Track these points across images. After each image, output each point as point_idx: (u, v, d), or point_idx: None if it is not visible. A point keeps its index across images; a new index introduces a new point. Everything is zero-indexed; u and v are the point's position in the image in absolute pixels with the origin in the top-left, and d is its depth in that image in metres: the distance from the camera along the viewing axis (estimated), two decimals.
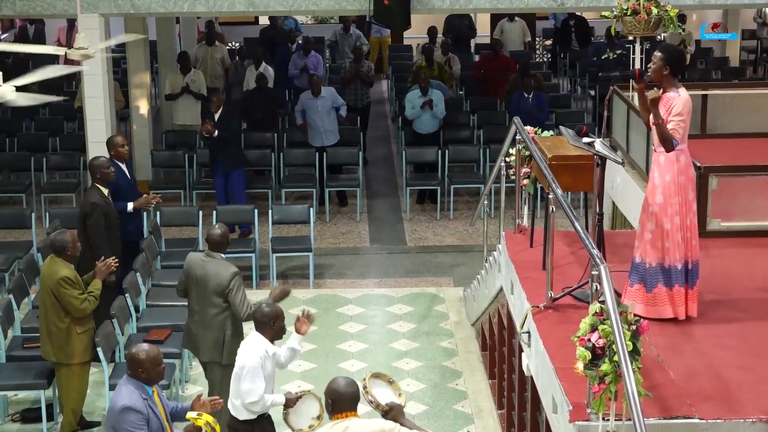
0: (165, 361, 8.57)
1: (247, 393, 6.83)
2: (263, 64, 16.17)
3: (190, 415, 6.43)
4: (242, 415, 6.94)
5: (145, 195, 10.67)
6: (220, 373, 7.94)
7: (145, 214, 11.19)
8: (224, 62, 17.41)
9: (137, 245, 10.46)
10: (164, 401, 6.59)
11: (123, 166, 10.40)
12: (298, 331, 7.30)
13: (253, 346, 6.91)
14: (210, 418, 6.39)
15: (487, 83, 16.92)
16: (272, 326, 6.95)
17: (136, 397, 6.28)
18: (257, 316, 7.01)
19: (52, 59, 11.40)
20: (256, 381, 6.80)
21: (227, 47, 19.34)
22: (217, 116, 12.94)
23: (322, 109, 14.25)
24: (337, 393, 5.61)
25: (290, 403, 6.95)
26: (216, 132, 12.74)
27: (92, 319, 8.46)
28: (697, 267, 7.04)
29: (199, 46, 17.60)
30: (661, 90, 6.92)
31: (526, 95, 14.79)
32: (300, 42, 18.42)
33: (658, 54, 6.88)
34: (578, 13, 20.51)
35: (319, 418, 6.89)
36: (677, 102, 6.82)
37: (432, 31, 18.52)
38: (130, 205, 10.35)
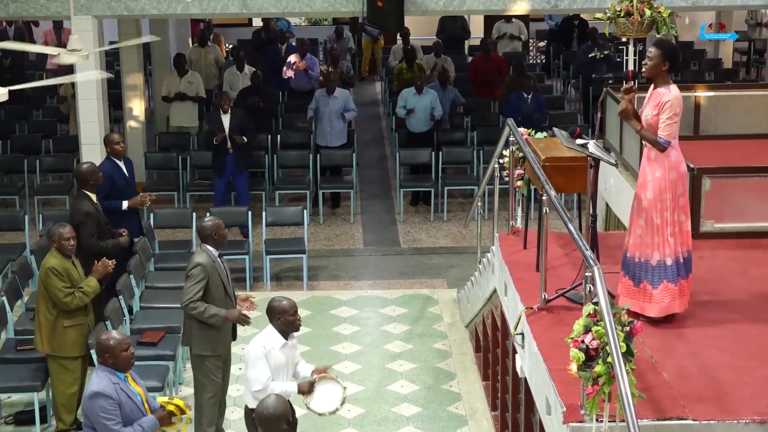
0: (159, 363, 8.70)
1: (252, 381, 6.96)
2: (246, 66, 16.04)
3: (161, 399, 6.54)
4: (252, 404, 6.99)
5: (140, 194, 10.58)
6: (193, 361, 8.08)
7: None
8: (218, 62, 17.36)
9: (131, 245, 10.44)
10: (142, 385, 6.62)
11: (120, 163, 10.36)
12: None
13: (259, 336, 7.05)
14: (181, 402, 6.50)
15: (481, 84, 16.92)
16: (277, 320, 6.98)
17: (106, 382, 6.33)
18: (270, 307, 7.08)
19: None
20: (260, 369, 6.90)
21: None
22: (227, 117, 12.96)
23: (332, 109, 14.23)
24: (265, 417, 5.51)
25: (304, 389, 7.00)
26: (244, 139, 12.85)
27: (85, 315, 8.45)
28: (689, 261, 7.01)
29: (192, 48, 17.57)
30: (652, 86, 6.90)
31: (525, 95, 14.77)
32: (294, 44, 18.36)
33: (654, 50, 6.80)
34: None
35: (344, 398, 6.99)
36: (667, 99, 6.76)
37: (405, 33, 18.42)
38: (125, 204, 10.26)
